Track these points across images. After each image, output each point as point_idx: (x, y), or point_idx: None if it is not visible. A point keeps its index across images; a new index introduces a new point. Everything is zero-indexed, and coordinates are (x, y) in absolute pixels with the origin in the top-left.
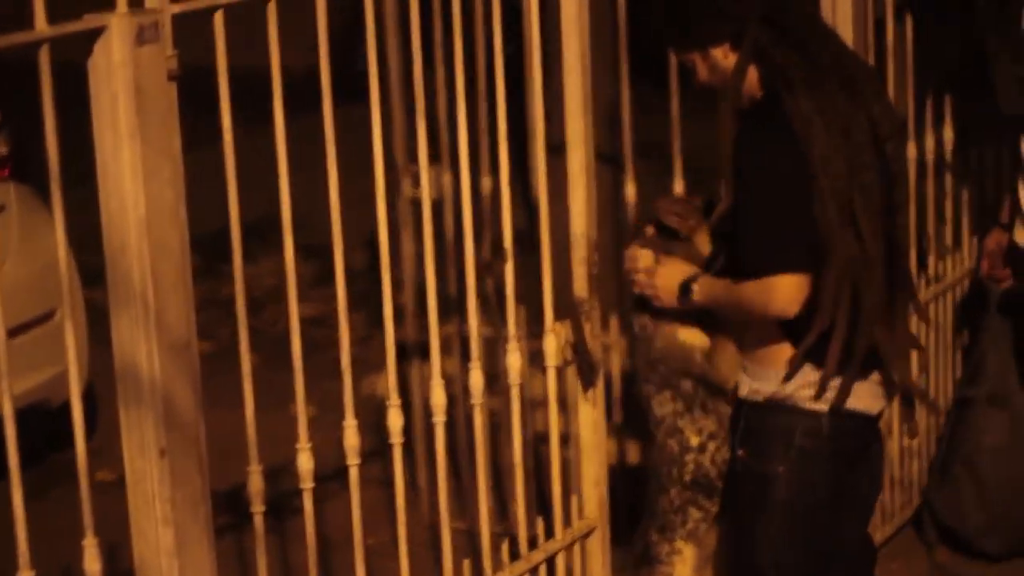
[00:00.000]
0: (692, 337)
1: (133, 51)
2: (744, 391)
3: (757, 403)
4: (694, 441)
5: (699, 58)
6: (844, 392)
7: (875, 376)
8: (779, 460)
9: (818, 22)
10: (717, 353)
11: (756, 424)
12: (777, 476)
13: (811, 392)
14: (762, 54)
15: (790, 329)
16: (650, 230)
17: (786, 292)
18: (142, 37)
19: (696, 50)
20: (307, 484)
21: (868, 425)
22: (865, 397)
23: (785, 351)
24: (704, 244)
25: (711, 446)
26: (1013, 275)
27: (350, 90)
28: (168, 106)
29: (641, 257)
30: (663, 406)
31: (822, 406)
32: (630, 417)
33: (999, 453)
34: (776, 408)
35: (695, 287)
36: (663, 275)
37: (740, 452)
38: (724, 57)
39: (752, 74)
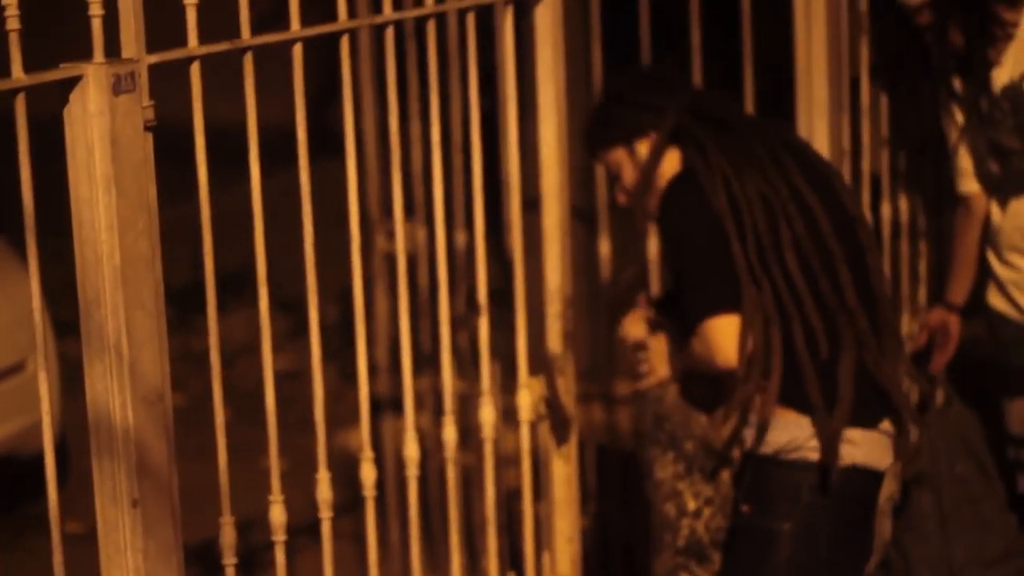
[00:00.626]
0: None
1: (109, 100)
2: (751, 443)
3: (765, 456)
4: (691, 505)
5: (626, 156)
6: (833, 438)
7: (884, 426)
8: (785, 517)
9: (743, 113)
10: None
11: (763, 479)
12: (782, 533)
13: (817, 443)
14: (681, 134)
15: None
16: (642, 304)
17: (720, 335)
18: (119, 87)
19: (623, 144)
20: (279, 536)
21: (875, 481)
22: (874, 450)
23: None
24: None
25: (706, 512)
26: (989, 335)
27: (325, 146)
28: (144, 156)
29: (632, 328)
30: (664, 468)
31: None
32: (604, 473)
33: (923, 534)
34: (783, 462)
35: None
36: (656, 349)
37: (745, 508)
38: (650, 145)
39: (673, 156)
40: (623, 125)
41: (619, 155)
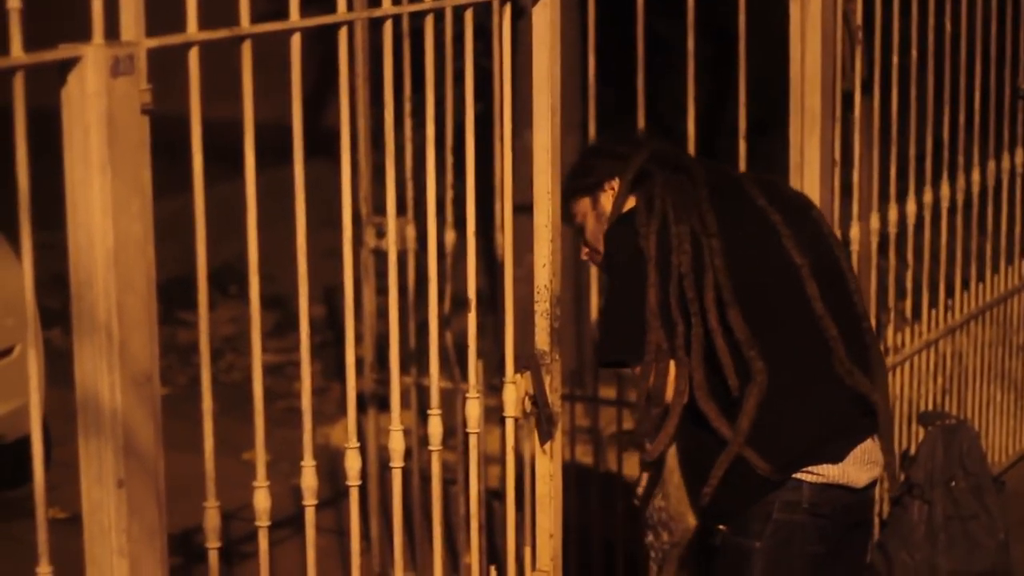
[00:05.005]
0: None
1: (107, 82)
2: None
3: None
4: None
5: (590, 207)
6: (794, 459)
7: (867, 444)
8: (756, 535)
9: (705, 161)
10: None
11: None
12: (754, 551)
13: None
14: (643, 180)
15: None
16: None
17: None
18: (117, 69)
19: (588, 194)
20: (263, 522)
21: (853, 499)
22: (848, 471)
23: None
24: None
25: None
26: None
27: (314, 147)
28: (140, 139)
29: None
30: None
31: (802, 475)
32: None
33: (910, 542)
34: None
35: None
36: None
37: (722, 527)
38: (614, 190)
39: (630, 202)
40: (589, 175)
41: (584, 206)
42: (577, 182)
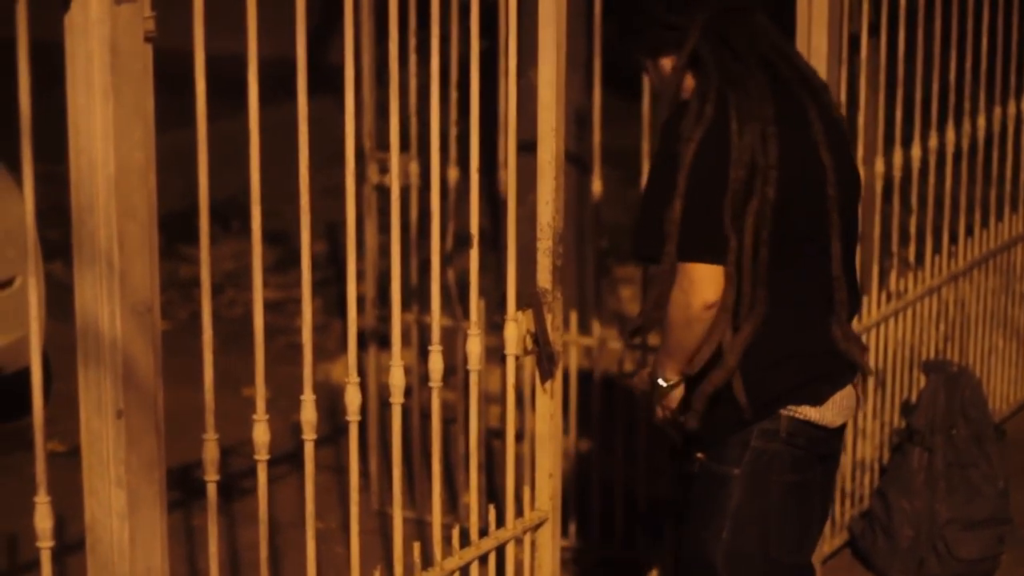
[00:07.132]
0: None
1: (111, 9)
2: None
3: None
4: None
5: (650, 64)
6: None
7: (847, 390)
8: (735, 462)
9: (765, 34)
10: None
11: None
12: (732, 478)
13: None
14: (699, 62)
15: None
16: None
17: (704, 280)
18: None
19: (647, 56)
20: (262, 456)
21: (824, 434)
22: (824, 414)
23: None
24: None
25: None
26: None
27: (317, 83)
28: (143, 67)
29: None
30: None
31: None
32: (584, 411)
33: (910, 489)
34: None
35: (660, 380)
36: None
37: (700, 455)
38: (671, 67)
39: (689, 80)
40: (646, 41)
41: (645, 62)
42: (633, 42)
